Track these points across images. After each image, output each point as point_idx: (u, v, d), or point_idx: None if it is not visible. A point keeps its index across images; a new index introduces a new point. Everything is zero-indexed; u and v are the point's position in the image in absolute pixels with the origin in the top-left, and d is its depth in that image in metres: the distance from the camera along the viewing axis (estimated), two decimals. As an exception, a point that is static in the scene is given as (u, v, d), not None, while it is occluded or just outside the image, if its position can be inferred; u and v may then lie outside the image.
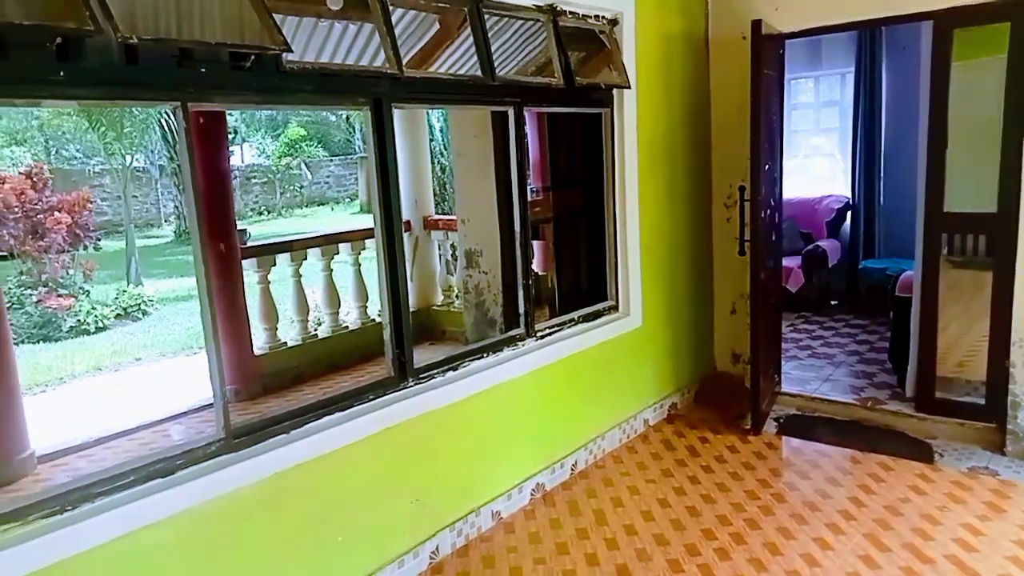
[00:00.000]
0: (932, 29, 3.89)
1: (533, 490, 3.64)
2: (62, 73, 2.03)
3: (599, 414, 4.10)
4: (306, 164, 20.99)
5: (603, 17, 3.90)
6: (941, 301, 4.09)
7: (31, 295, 8.55)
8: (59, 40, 2.00)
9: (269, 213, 19.35)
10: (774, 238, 4.54)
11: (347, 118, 22.33)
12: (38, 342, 8.07)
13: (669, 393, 4.69)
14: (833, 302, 6.98)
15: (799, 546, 3.11)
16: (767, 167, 4.18)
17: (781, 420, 4.48)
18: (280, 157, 20.85)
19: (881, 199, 7.01)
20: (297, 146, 21.31)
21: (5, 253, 9.01)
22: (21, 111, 14.15)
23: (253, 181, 19.46)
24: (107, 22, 1.98)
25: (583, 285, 4.65)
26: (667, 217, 4.52)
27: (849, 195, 7.18)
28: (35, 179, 9.12)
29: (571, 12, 3.68)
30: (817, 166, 7.69)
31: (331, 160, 22.33)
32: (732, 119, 4.67)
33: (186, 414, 4.64)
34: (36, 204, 8.89)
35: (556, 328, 3.86)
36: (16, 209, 8.70)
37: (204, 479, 2.33)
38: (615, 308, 4.24)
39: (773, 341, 4.70)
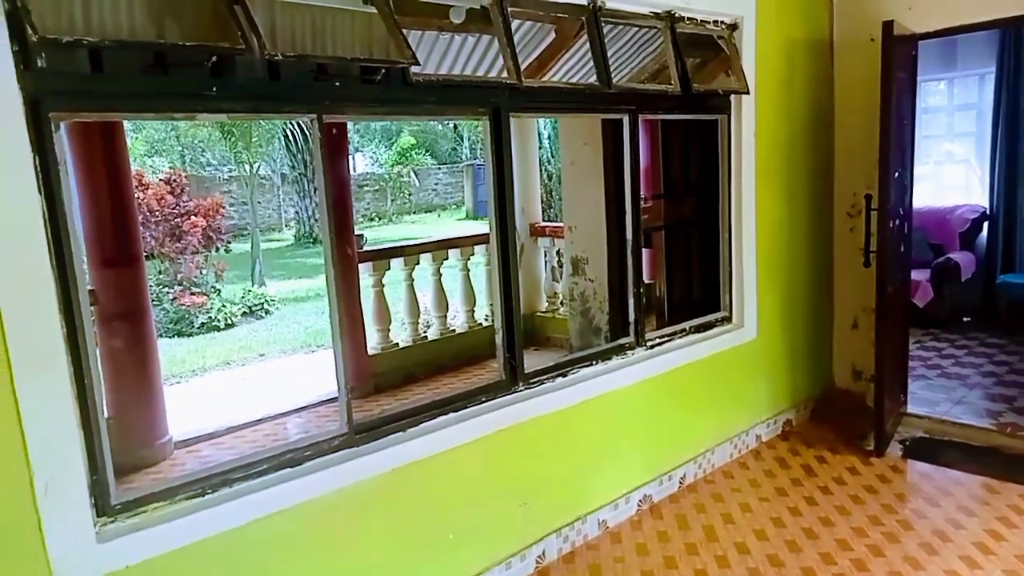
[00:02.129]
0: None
1: (640, 501, 3.60)
2: (215, 89, 2.20)
3: (709, 427, 4.00)
4: (415, 172, 21.65)
5: (722, 22, 3.82)
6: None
7: (168, 293, 9.26)
8: (214, 58, 2.17)
9: (380, 219, 20.08)
10: (903, 249, 4.28)
11: (454, 127, 22.86)
12: (173, 336, 8.73)
13: (784, 409, 4.51)
14: (966, 319, 6.50)
15: (928, 578, 2.92)
16: (897, 174, 3.95)
17: (907, 443, 4.21)
18: (392, 165, 21.61)
19: (1024, 209, 6.48)
20: (407, 155, 22.01)
21: (146, 254, 9.80)
22: (161, 123, 15.35)
23: (365, 189, 20.25)
24: (255, 41, 2.14)
25: (694, 295, 4.56)
26: (785, 226, 4.37)
27: (986, 204, 6.67)
28: (174, 185, 9.87)
29: (689, 18, 3.63)
30: (949, 173, 7.19)
31: (439, 168, 22.93)
32: (858, 124, 4.46)
33: (306, 408, 4.91)
34: (174, 209, 9.62)
35: (667, 338, 3.80)
36: (157, 213, 9.44)
37: (329, 471, 2.45)
38: (728, 319, 4.13)
39: (899, 358, 4.43)
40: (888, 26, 3.70)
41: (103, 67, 2.08)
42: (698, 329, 3.97)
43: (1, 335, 1.83)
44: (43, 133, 1.88)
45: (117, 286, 4.01)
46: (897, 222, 4.05)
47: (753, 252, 4.12)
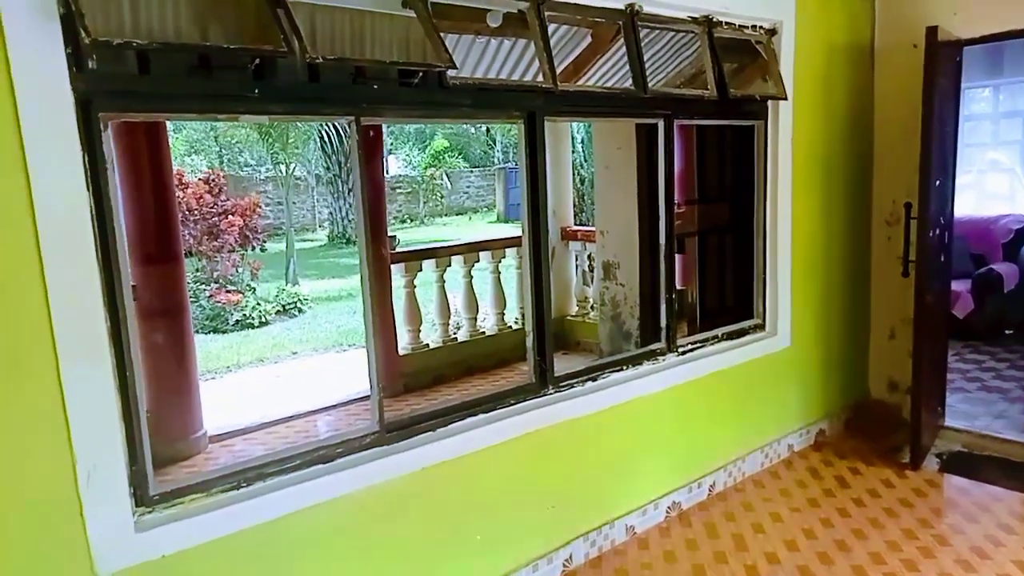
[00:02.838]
0: None
1: (669, 508, 3.57)
2: (257, 91, 2.25)
3: (740, 435, 3.96)
4: (447, 175, 21.78)
5: (761, 27, 3.78)
6: None
7: (205, 290, 9.43)
8: (256, 61, 2.22)
9: (412, 221, 20.23)
10: (943, 259, 4.19)
11: (487, 131, 22.94)
12: (209, 333, 8.88)
13: (817, 419, 4.44)
14: (1008, 331, 6.32)
15: (965, 595, 2.86)
16: (938, 183, 3.87)
17: (944, 457, 4.12)
18: (425, 168, 21.78)
19: (1072, 220, 6.30)
20: (440, 157, 22.17)
21: (185, 251, 9.97)
22: (201, 123, 15.67)
23: (398, 191, 20.41)
24: (296, 44, 2.18)
25: (727, 302, 4.52)
26: (821, 234, 4.31)
27: (1032, 215, 6.51)
28: (212, 185, 10.05)
29: (727, 23, 3.60)
30: (993, 182, 7.03)
31: (471, 171, 23.04)
32: (898, 132, 4.38)
33: (337, 407, 4.97)
34: (213, 208, 9.80)
35: (699, 344, 3.77)
36: (196, 212, 9.63)
37: (360, 468, 2.48)
38: (761, 327, 4.08)
39: (937, 370, 4.34)
40: (932, 32, 3.64)
41: (150, 69, 2.14)
42: (730, 336, 3.93)
43: (49, 326, 1.89)
44: (92, 132, 1.94)
45: (157, 282, 4.10)
46: (937, 231, 3.97)
47: (788, 259, 4.07)
